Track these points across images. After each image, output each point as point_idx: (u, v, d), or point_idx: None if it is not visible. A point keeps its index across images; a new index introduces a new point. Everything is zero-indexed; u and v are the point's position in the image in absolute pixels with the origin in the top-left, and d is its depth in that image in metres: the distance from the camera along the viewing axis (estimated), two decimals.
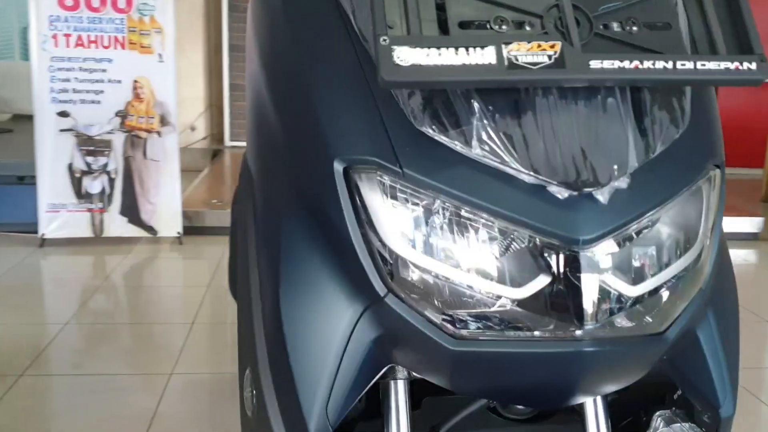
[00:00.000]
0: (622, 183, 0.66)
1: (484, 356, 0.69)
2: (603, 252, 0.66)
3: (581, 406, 0.85)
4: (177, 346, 2.49)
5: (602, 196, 0.66)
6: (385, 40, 0.62)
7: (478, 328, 0.68)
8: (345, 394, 0.74)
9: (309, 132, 0.74)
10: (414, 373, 0.80)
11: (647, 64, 0.64)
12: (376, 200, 0.69)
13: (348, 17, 0.75)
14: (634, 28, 0.67)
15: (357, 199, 0.70)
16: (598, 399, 0.84)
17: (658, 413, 0.91)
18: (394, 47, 0.62)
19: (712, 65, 0.65)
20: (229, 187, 4.72)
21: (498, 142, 0.66)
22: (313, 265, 0.74)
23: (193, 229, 3.79)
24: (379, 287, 0.70)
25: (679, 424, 0.89)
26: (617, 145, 0.67)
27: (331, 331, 0.73)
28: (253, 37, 0.89)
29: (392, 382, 0.81)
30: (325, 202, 0.72)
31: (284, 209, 0.78)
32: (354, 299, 0.73)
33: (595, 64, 0.64)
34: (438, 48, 0.63)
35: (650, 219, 0.69)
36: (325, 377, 0.73)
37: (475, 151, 0.67)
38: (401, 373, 0.81)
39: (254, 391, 0.82)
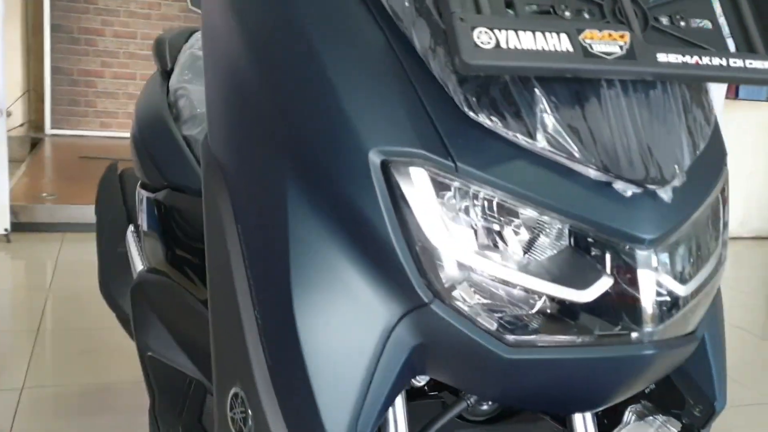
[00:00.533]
0: (679, 181, 0.65)
1: (540, 363, 0.64)
2: (663, 252, 0.64)
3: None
4: (24, 356, 2.23)
5: (666, 194, 0.63)
6: (462, 19, 0.56)
7: (536, 333, 0.64)
8: (377, 409, 0.66)
9: (331, 121, 0.65)
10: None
11: (705, 60, 0.63)
12: (421, 197, 0.62)
13: None
14: (682, 23, 0.66)
15: (397, 195, 0.63)
16: None
17: (629, 408, 0.91)
18: (474, 27, 0.56)
19: (758, 64, 0.65)
20: (55, 179, 4.35)
21: (565, 135, 0.61)
22: (336, 268, 0.66)
23: (21, 225, 3.43)
24: (423, 292, 0.63)
25: (652, 417, 0.90)
26: (675, 142, 0.65)
27: (361, 341, 0.65)
28: (230, 12, 0.77)
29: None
30: (355, 198, 0.64)
31: (292, 206, 0.68)
32: (390, 305, 0.65)
33: (662, 57, 0.61)
34: (516, 31, 0.58)
35: (695, 217, 0.68)
36: (355, 391, 0.65)
37: (540, 144, 0.61)
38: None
39: (248, 412, 0.72)
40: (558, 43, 0.58)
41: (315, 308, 0.67)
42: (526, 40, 0.57)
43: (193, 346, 1.36)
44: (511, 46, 0.57)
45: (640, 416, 0.90)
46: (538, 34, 0.58)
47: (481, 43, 0.56)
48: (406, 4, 0.65)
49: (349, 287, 0.66)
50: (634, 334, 0.65)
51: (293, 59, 0.69)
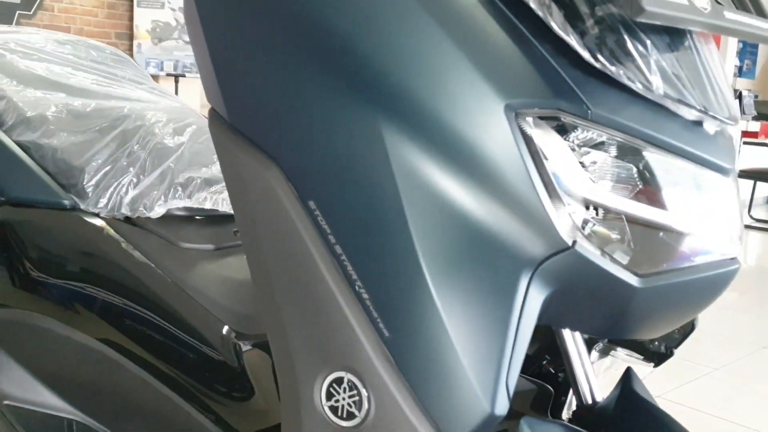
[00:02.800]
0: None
1: (664, 289, 0.70)
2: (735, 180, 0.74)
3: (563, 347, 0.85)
4: None
5: (735, 131, 0.74)
6: None
7: (660, 263, 0.70)
8: (519, 364, 0.67)
9: (456, 77, 0.65)
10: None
11: (753, 21, 0.72)
12: (556, 143, 0.65)
13: None
14: None
15: (534, 143, 0.65)
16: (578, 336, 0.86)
17: (594, 346, 0.96)
18: None
19: (761, 23, 0.75)
20: None
21: (675, 81, 0.68)
22: (463, 226, 0.66)
23: None
24: (565, 235, 0.65)
25: (616, 350, 0.98)
26: (728, 87, 0.75)
27: (500, 296, 0.66)
28: None
29: None
30: (489, 150, 0.65)
31: (399, 170, 0.66)
32: (527, 255, 0.66)
33: (731, 16, 0.68)
34: None
35: None
36: (499, 349, 0.66)
37: (658, 90, 0.67)
38: None
39: (363, 394, 0.70)
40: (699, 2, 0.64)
41: (448, 270, 0.66)
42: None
43: (69, 382, 1.25)
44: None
45: (605, 352, 0.98)
46: None
47: None
48: None
49: (481, 243, 0.66)
50: (729, 255, 0.74)
51: (399, 21, 0.67)
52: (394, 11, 0.66)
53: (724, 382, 2.66)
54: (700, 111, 0.70)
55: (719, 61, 0.77)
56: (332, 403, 0.71)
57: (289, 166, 0.71)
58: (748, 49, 9.30)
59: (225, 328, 1.05)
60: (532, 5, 0.66)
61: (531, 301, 0.66)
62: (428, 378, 0.67)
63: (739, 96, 7.24)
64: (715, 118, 0.71)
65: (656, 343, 0.94)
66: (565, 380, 1.02)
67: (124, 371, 1.15)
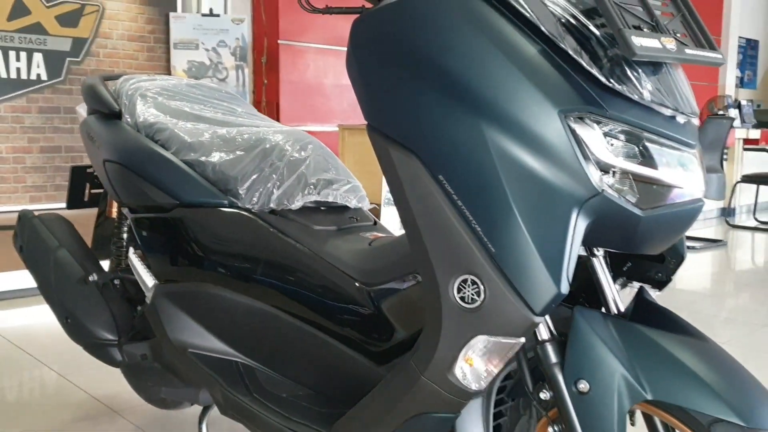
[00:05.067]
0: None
1: (660, 218, 1.08)
2: (698, 153, 1.14)
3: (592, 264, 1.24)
4: None
5: (696, 121, 1.14)
6: (626, 30, 1.01)
7: (655, 201, 1.07)
8: (574, 264, 1.04)
9: (526, 94, 1.04)
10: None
11: (706, 52, 1.11)
12: (591, 133, 1.04)
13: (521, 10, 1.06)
14: (678, 34, 1.18)
15: (576, 132, 1.04)
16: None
17: (616, 281, 1.34)
18: (631, 36, 1.01)
19: (711, 54, 1.15)
20: None
21: (657, 91, 1.08)
22: (534, 182, 1.03)
23: None
24: (597, 186, 1.03)
25: (632, 283, 1.34)
26: (691, 92, 1.15)
27: (562, 222, 1.03)
28: (409, 40, 1.11)
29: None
30: (547, 137, 1.03)
31: (494, 147, 1.04)
32: (576, 197, 1.03)
33: (690, 51, 1.09)
34: (657, 38, 1.04)
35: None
36: (562, 252, 1.02)
37: (647, 98, 1.07)
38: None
39: (481, 287, 1.06)
40: (658, 42, 1.05)
41: (528, 209, 1.02)
42: (653, 42, 1.04)
43: (235, 333, 1.61)
44: (646, 44, 1.02)
45: (623, 285, 1.36)
46: (654, 40, 1.04)
47: (639, 42, 1.01)
48: (553, 20, 1.06)
49: (549, 192, 1.02)
50: (696, 195, 1.12)
51: (489, 62, 1.06)
52: (487, 55, 1.06)
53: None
54: (673, 109, 1.10)
55: (684, 78, 1.19)
56: (461, 294, 1.08)
57: (423, 153, 1.09)
58: (748, 61, 9.68)
59: (353, 281, 1.45)
60: (570, 52, 1.05)
61: (579, 226, 1.03)
62: (520, 274, 1.03)
63: (738, 106, 7.63)
64: (682, 113, 1.11)
65: (659, 273, 1.31)
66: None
67: (278, 321, 1.55)
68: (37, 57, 5.05)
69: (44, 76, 4.93)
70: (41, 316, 3.59)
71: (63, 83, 5.02)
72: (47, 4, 5.03)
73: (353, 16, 1.29)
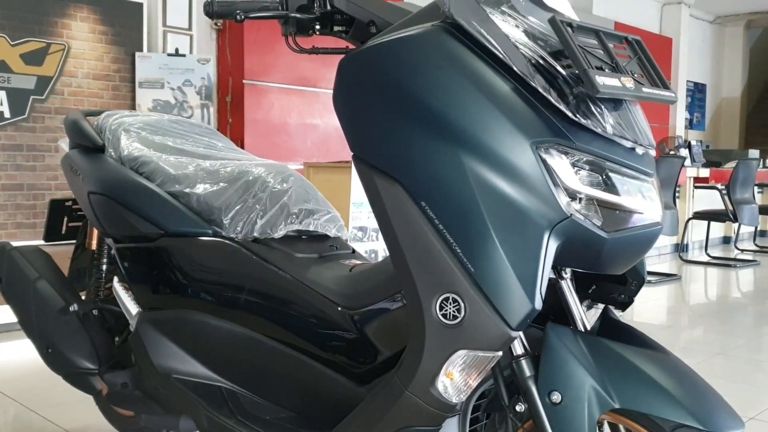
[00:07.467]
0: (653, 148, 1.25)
1: (619, 241, 1.16)
2: (654, 181, 1.24)
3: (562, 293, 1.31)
4: None
5: (653, 152, 1.24)
6: (590, 70, 1.10)
7: (618, 225, 1.16)
8: (546, 279, 1.11)
9: (501, 128, 1.13)
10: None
11: (661, 91, 1.23)
12: (560, 162, 1.13)
13: (497, 54, 1.15)
14: (635, 75, 1.30)
15: (546, 161, 1.12)
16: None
17: (583, 303, 1.40)
18: (595, 76, 1.10)
19: (665, 92, 1.27)
20: None
21: (619, 126, 1.18)
22: (508, 203, 1.11)
23: None
24: (566, 209, 1.12)
25: (597, 305, 1.42)
26: (648, 128, 1.25)
27: (534, 243, 1.10)
28: (401, 84, 1.19)
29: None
30: (520, 167, 1.12)
31: (472, 175, 1.12)
32: (547, 221, 1.11)
33: (647, 89, 1.19)
34: (616, 78, 1.14)
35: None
36: (535, 272, 1.10)
37: (609, 131, 1.16)
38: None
39: (461, 305, 1.13)
40: (621, 82, 1.14)
41: (504, 231, 1.10)
42: (617, 81, 1.14)
43: (218, 358, 1.65)
44: (608, 83, 1.12)
45: (588, 307, 1.44)
46: (615, 79, 1.14)
47: (602, 81, 1.11)
48: (524, 61, 1.15)
49: (523, 217, 1.09)
50: (655, 220, 1.22)
51: (457, 92, 1.15)
52: (465, 92, 1.15)
53: None
54: (632, 141, 1.21)
55: (642, 113, 1.31)
56: (443, 311, 1.15)
57: (407, 181, 1.17)
58: (696, 103, 10.07)
59: (335, 305, 1.51)
60: (540, 89, 1.15)
61: (550, 247, 1.11)
62: (498, 292, 1.10)
63: (688, 146, 7.92)
64: (641, 145, 1.22)
65: (621, 295, 1.40)
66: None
67: (262, 346, 1.60)
68: (1, 95, 5.02)
69: (7, 114, 4.91)
70: (10, 352, 3.54)
71: (26, 121, 4.98)
72: (12, 43, 5.02)
73: (327, 57, 1.41)
